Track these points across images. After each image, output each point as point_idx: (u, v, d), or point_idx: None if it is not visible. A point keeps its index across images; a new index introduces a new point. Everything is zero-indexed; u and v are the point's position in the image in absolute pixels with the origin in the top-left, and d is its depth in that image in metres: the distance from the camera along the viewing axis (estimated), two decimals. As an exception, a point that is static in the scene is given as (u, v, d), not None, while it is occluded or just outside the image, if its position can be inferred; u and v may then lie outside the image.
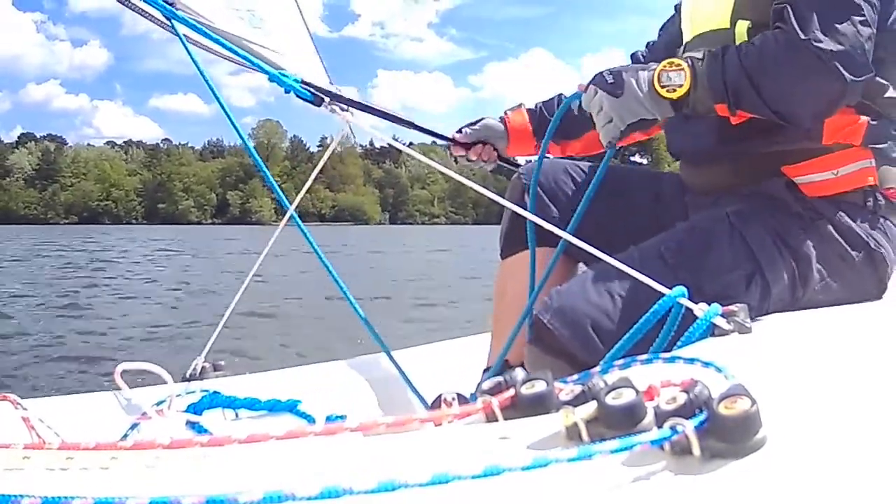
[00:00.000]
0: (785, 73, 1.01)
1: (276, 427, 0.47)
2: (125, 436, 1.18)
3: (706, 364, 0.53)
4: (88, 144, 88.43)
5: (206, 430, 1.24)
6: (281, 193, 1.37)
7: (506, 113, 1.53)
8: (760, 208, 1.10)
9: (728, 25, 1.14)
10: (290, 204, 1.38)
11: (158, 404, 1.25)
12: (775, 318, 1.01)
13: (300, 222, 1.40)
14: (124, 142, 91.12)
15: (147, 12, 1.29)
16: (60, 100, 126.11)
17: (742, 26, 1.11)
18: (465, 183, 1.13)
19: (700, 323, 0.72)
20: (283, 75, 1.24)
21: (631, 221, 1.28)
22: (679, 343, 0.72)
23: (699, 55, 1.05)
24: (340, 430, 0.46)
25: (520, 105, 1.54)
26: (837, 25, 0.99)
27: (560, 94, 1.51)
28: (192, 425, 1.25)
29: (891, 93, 1.11)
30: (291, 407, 1.35)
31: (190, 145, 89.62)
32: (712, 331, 0.73)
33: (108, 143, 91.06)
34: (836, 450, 0.41)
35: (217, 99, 1.26)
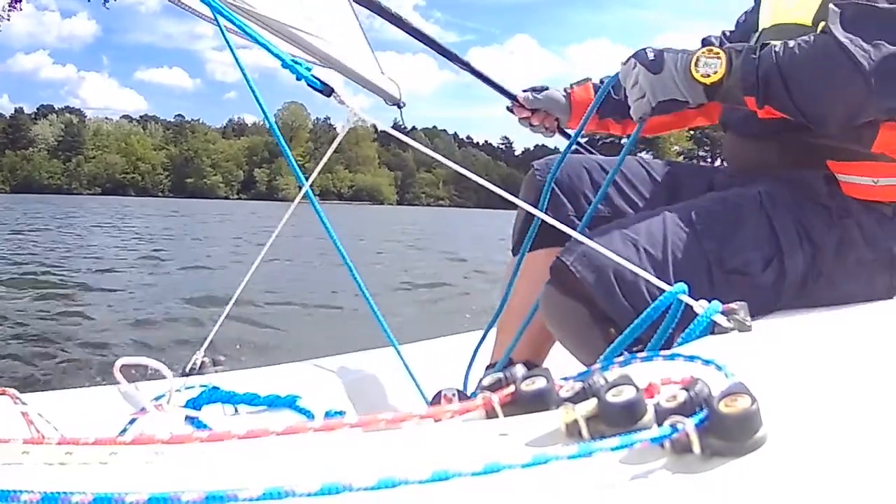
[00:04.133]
0: (815, 72, 1.02)
1: (275, 422, 0.47)
2: (124, 431, 1.18)
3: (706, 362, 0.52)
4: (106, 118, 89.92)
5: (205, 426, 1.24)
6: (298, 170, 1.36)
7: (571, 87, 1.52)
8: (791, 195, 1.11)
9: (810, 24, 1.13)
10: (307, 185, 1.36)
11: (157, 399, 1.25)
12: (776, 316, 1.01)
13: (315, 201, 1.39)
14: (141, 116, 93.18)
15: (188, 6, 1.29)
16: (48, 70, 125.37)
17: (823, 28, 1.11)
18: (470, 176, 1.12)
19: (700, 320, 0.72)
20: (296, 62, 1.24)
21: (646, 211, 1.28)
22: (679, 340, 0.72)
23: (739, 47, 1.07)
24: (339, 425, 0.46)
25: (587, 80, 1.53)
26: (881, 41, 0.98)
27: None
28: (192, 420, 1.25)
29: None
30: (291, 402, 1.35)
31: (202, 121, 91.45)
32: (712, 328, 0.73)
33: (124, 116, 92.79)
34: (836, 448, 0.41)
35: (249, 86, 1.26)
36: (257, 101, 1.27)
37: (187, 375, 1.49)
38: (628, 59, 1.14)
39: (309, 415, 1.34)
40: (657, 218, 1.07)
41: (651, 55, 1.09)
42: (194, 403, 1.32)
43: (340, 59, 1.65)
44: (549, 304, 1.09)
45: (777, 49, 1.04)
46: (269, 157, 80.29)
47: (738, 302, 0.75)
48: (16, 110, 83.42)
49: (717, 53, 1.06)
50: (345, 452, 0.45)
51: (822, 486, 0.36)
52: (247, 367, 1.64)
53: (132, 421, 1.18)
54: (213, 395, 1.34)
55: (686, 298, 0.75)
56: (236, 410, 1.37)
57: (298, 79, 1.20)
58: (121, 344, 4.37)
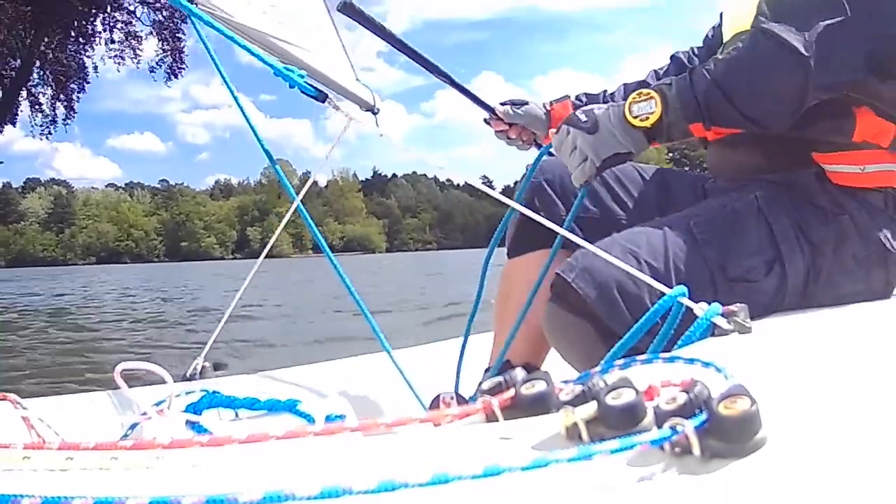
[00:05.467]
0: (751, 70, 1.03)
1: (275, 427, 0.47)
2: (125, 435, 1.18)
3: (706, 364, 0.52)
4: (92, 188, 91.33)
5: (205, 430, 1.24)
6: (286, 181, 1.37)
7: (552, 103, 1.52)
8: (787, 197, 1.11)
9: None
10: (298, 200, 1.37)
11: (158, 404, 1.25)
12: (775, 317, 1.01)
13: (305, 212, 1.40)
14: (126, 183, 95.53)
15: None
16: (21, 143, 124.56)
17: None
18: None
19: (700, 322, 0.72)
20: (289, 69, 1.24)
21: (637, 215, 1.28)
22: (679, 342, 0.72)
23: (667, 81, 1.07)
24: (340, 429, 0.46)
25: (566, 97, 1.53)
26: (808, 22, 0.99)
27: (604, 91, 1.53)
28: (192, 425, 1.25)
29: None
30: (291, 406, 1.35)
31: (185, 184, 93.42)
32: (712, 330, 0.73)
33: (109, 185, 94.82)
34: (836, 449, 0.41)
35: (239, 107, 1.27)
36: (247, 121, 1.28)
37: (188, 380, 1.49)
38: (559, 127, 1.12)
39: (309, 419, 1.34)
40: (656, 228, 1.06)
41: (583, 117, 1.08)
42: (195, 408, 1.32)
43: (317, 66, 1.65)
44: (552, 322, 1.08)
45: (707, 67, 1.04)
46: (259, 215, 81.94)
47: (738, 304, 0.75)
48: (3, 185, 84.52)
49: (648, 94, 1.05)
50: (345, 456, 0.45)
51: (822, 487, 0.36)
52: (247, 372, 1.64)
53: (133, 426, 1.18)
54: (214, 400, 1.34)
55: (686, 301, 0.75)
56: (237, 415, 1.37)
57: (292, 86, 1.20)
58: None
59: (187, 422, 1.25)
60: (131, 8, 19.62)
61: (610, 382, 0.45)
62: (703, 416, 0.39)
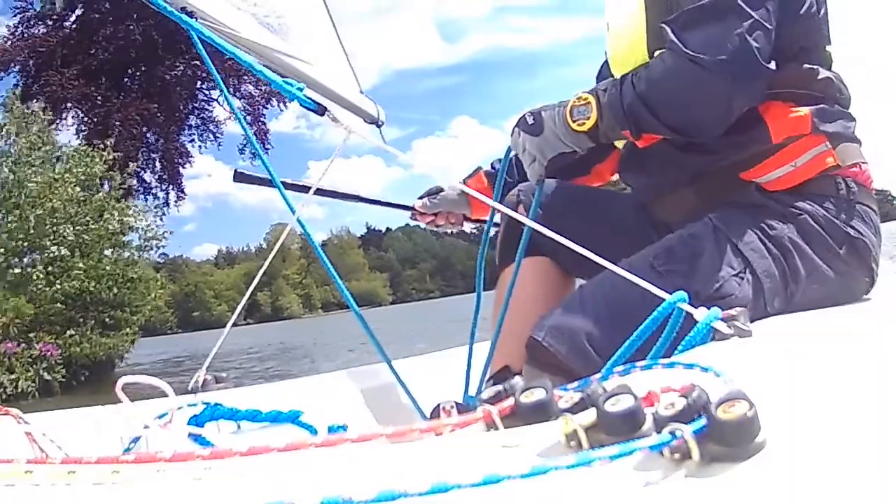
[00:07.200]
0: (673, 90, 1.05)
1: (277, 438, 0.47)
2: (127, 449, 1.17)
3: (704, 369, 0.53)
4: None
5: (208, 443, 1.24)
6: (283, 191, 1.38)
7: (465, 181, 1.57)
8: (741, 213, 1.12)
9: (648, 57, 1.16)
10: (298, 213, 1.38)
11: (160, 417, 1.25)
12: (774, 320, 1.01)
13: (307, 229, 1.41)
14: None
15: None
16: None
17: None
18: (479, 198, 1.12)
19: (700, 327, 0.72)
20: (288, 83, 1.25)
21: (619, 243, 1.28)
22: (679, 348, 0.72)
23: (603, 86, 1.10)
24: (341, 441, 0.46)
25: (477, 169, 1.58)
26: (719, 36, 1.00)
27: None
28: (195, 438, 1.25)
29: (822, 73, 1.12)
30: (293, 418, 1.34)
31: (187, 256, 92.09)
32: (712, 335, 0.73)
33: None
34: (835, 452, 0.41)
35: (240, 122, 1.27)
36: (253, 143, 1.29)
37: (189, 393, 1.49)
38: (512, 129, 1.17)
39: (312, 430, 1.34)
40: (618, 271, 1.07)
41: (530, 119, 1.14)
42: (197, 421, 1.31)
43: (319, 79, 1.65)
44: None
45: (635, 78, 1.07)
46: (267, 279, 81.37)
47: (738, 308, 0.75)
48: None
49: (587, 99, 1.10)
50: (346, 467, 0.45)
51: (821, 490, 0.36)
52: (249, 384, 1.65)
53: (135, 439, 1.18)
54: (216, 412, 1.34)
55: (685, 306, 0.75)
56: (239, 427, 1.36)
57: (291, 99, 1.21)
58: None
59: (189, 434, 1.25)
60: (213, 95, 20.82)
61: (609, 389, 0.45)
62: (702, 421, 0.39)
